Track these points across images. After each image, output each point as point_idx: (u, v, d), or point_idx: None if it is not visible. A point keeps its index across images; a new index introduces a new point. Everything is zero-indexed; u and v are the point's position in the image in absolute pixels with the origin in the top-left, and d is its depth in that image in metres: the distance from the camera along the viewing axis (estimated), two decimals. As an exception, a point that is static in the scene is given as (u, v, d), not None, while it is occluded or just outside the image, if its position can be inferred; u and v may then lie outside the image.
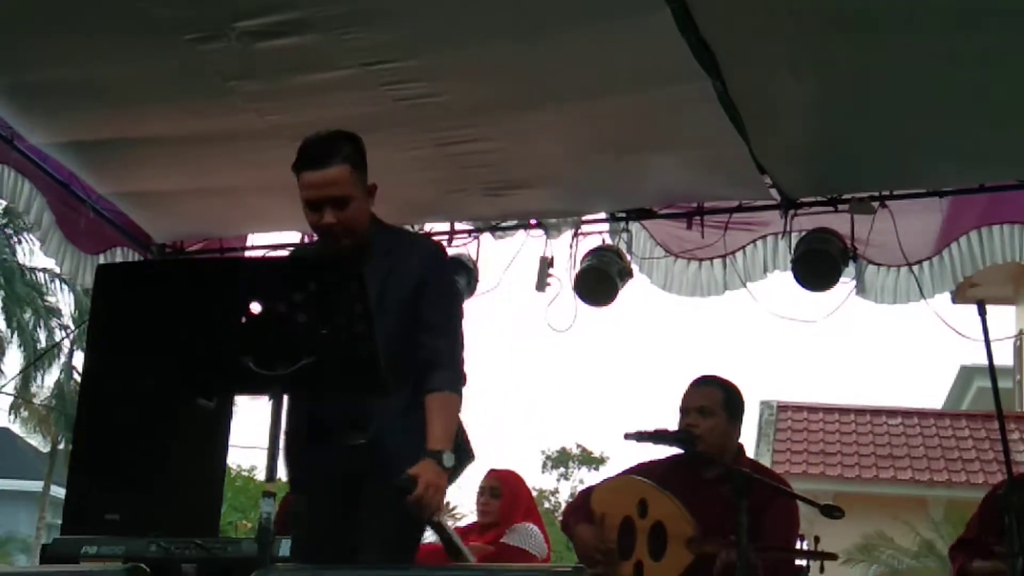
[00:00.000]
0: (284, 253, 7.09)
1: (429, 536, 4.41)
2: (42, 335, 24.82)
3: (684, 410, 4.69)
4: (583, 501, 4.83)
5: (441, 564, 4.63)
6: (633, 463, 4.89)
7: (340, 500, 3.74)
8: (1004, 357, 17.80)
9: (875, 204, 6.01)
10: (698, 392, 4.73)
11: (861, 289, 6.28)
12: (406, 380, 3.63)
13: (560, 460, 38.64)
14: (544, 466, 38.86)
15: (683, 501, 4.42)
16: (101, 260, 6.79)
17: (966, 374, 19.09)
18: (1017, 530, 3.86)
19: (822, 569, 4.35)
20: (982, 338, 4.08)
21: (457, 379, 3.74)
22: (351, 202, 3.68)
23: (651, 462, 4.80)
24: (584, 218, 6.67)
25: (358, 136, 3.78)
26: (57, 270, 22.82)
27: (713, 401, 4.67)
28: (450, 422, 3.67)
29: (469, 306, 5.56)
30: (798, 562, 4.47)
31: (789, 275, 6.23)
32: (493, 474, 6.17)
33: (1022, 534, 3.87)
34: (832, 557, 4.31)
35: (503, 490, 6.07)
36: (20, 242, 23.99)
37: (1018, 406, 17.74)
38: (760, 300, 6.49)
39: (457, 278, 5.90)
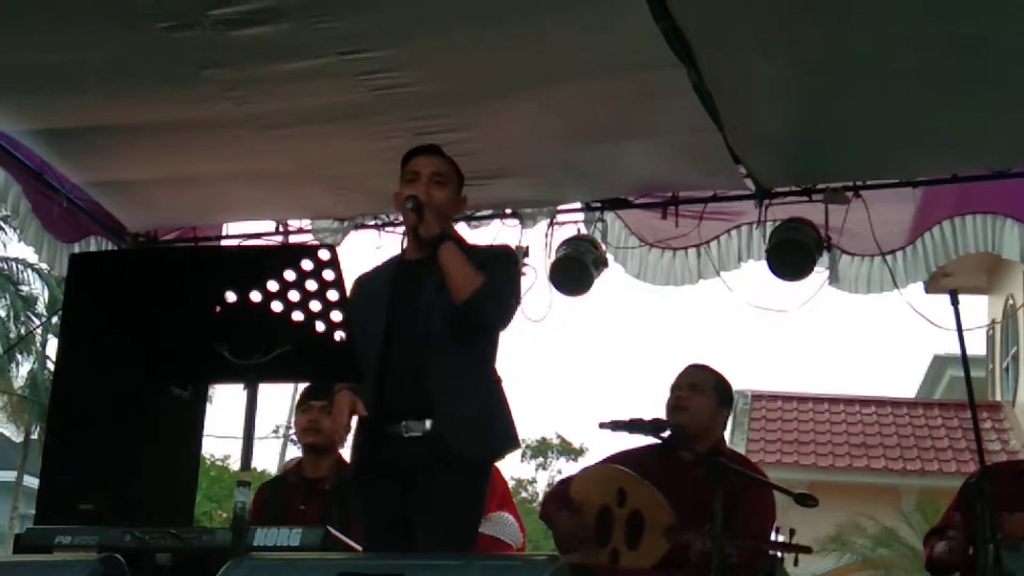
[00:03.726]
0: (259, 242, 7.07)
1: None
2: (16, 326, 24.60)
3: (675, 386, 4.78)
4: (562, 489, 4.87)
5: None
6: (612, 452, 4.93)
7: (398, 495, 3.88)
8: (977, 346, 17.93)
9: (849, 194, 6.03)
10: (691, 373, 4.86)
11: (835, 279, 6.29)
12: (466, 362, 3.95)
13: (540, 450, 38.57)
14: (523, 455, 38.83)
15: (661, 485, 4.45)
16: (76, 249, 6.74)
17: (939, 363, 19.13)
18: (989, 518, 3.90)
19: (796, 562, 4.37)
20: (955, 328, 4.11)
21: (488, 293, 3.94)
22: (446, 187, 4.11)
23: (630, 449, 4.84)
24: (559, 208, 6.66)
25: None
26: (31, 260, 22.75)
27: (705, 381, 4.79)
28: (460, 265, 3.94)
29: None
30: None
31: (763, 264, 6.23)
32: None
33: (993, 522, 3.90)
34: (806, 550, 4.33)
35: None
36: (-7, 232, 23.74)
37: (990, 395, 17.84)
38: (734, 289, 6.51)
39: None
